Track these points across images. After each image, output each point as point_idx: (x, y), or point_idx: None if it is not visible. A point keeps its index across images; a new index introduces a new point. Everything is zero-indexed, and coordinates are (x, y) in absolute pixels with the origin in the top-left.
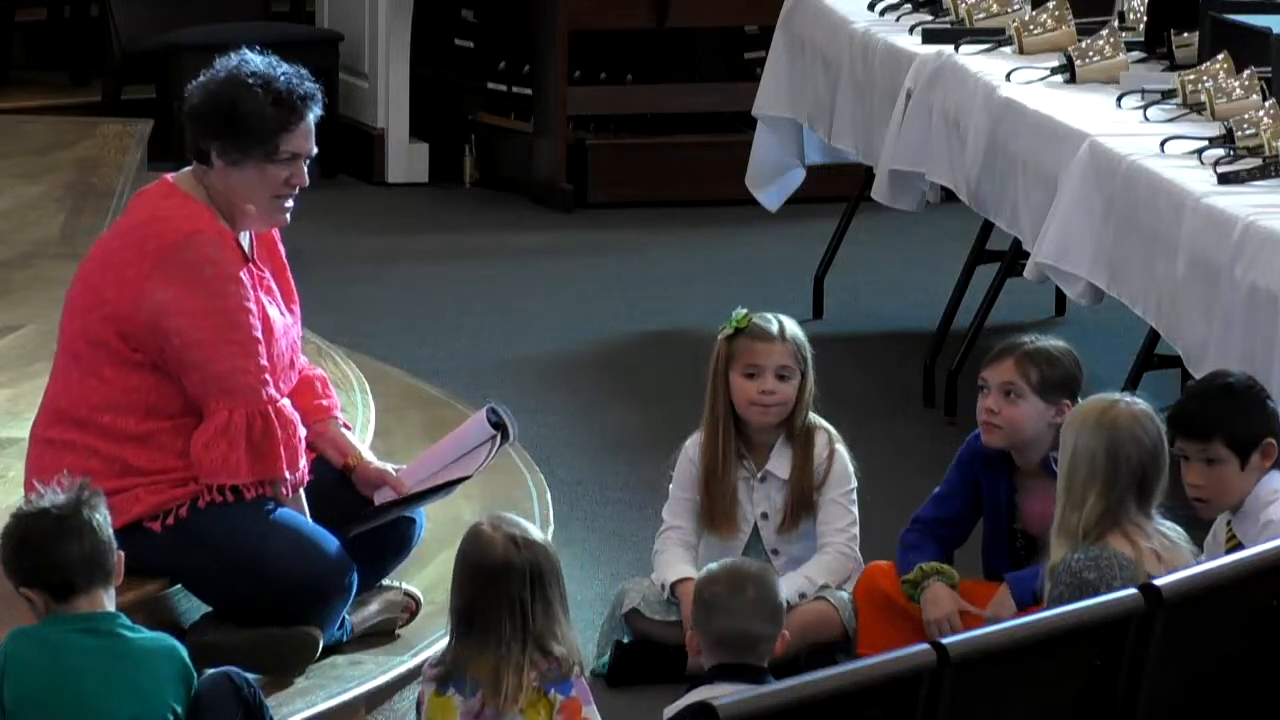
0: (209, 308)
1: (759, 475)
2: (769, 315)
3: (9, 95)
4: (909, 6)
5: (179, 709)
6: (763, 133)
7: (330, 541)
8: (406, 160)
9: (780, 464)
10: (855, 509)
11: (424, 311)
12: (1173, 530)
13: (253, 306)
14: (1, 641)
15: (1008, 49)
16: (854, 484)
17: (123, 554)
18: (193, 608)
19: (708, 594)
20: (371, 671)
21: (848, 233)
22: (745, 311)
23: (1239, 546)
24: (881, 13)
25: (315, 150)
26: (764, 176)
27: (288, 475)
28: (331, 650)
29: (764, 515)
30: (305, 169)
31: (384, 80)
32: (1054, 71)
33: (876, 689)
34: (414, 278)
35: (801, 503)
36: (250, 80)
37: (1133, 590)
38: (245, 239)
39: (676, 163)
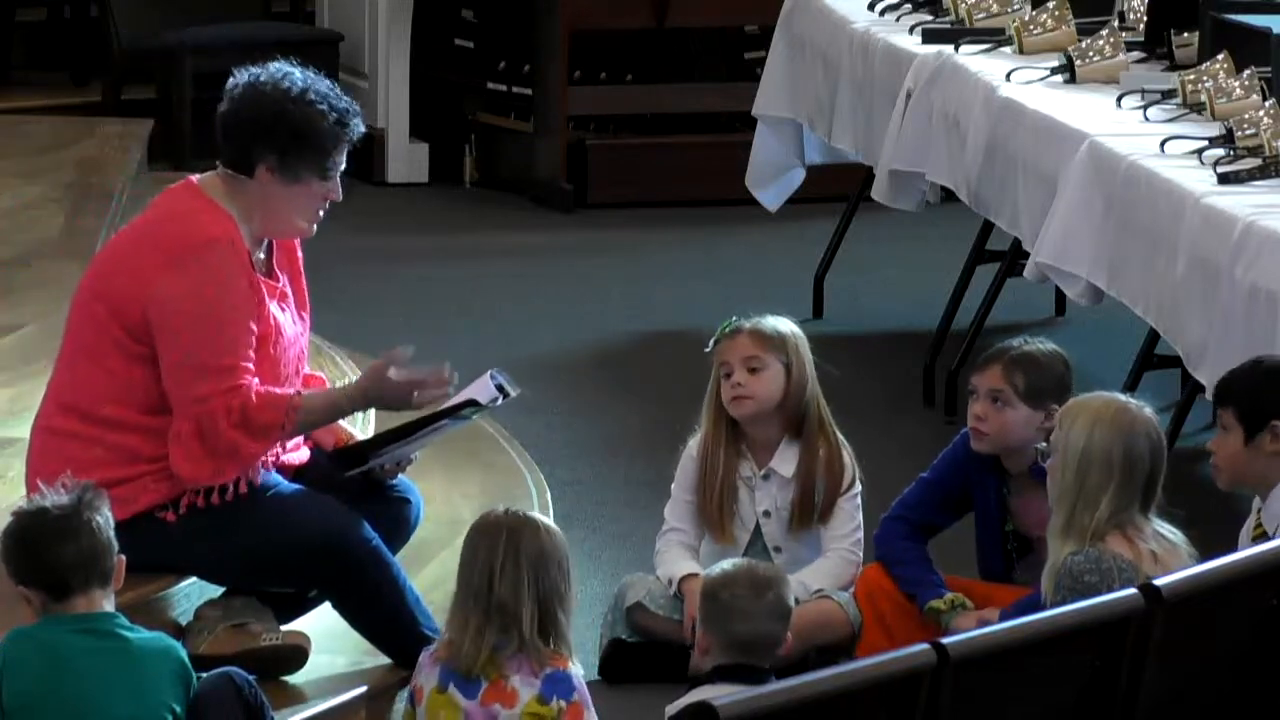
0: (202, 312)
1: (761, 473)
2: (755, 316)
3: (9, 95)
4: (909, 6)
5: (177, 709)
6: (763, 133)
7: (336, 502)
8: (406, 160)
9: (785, 462)
10: (860, 513)
11: (424, 311)
12: (1172, 533)
13: (252, 325)
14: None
15: (1008, 49)
16: (859, 487)
17: (123, 557)
18: (192, 609)
19: (726, 596)
20: (371, 672)
21: (848, 233)
22: (733, 319)
23: (1264, 537)
24: (881, 13)
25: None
26: (764, 176)
27: (280, 436)
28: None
29: (766, 513)
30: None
31: (384, 80)
32: (1054, 71)
33: (876, 689)
34: (414, 278)
35: (810, 501)
36: (314, 99)
37: (1133, 590)
38: (263, 247)
39: (676, 163)
